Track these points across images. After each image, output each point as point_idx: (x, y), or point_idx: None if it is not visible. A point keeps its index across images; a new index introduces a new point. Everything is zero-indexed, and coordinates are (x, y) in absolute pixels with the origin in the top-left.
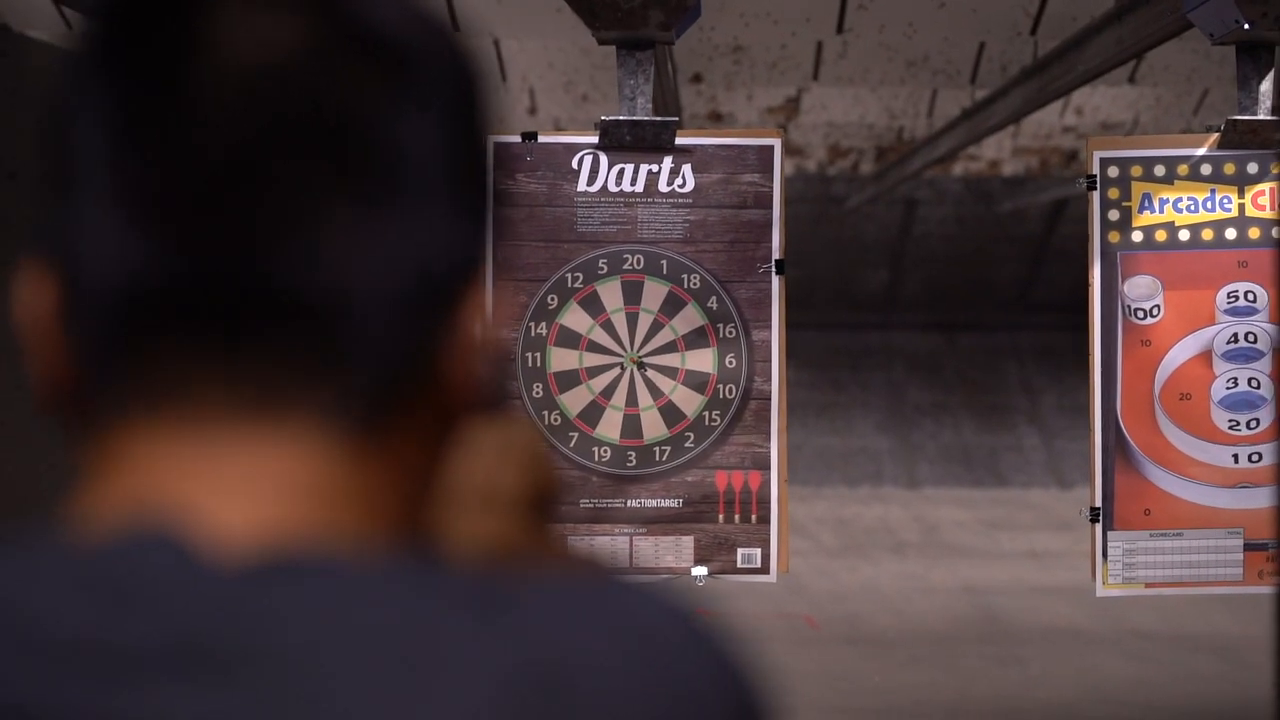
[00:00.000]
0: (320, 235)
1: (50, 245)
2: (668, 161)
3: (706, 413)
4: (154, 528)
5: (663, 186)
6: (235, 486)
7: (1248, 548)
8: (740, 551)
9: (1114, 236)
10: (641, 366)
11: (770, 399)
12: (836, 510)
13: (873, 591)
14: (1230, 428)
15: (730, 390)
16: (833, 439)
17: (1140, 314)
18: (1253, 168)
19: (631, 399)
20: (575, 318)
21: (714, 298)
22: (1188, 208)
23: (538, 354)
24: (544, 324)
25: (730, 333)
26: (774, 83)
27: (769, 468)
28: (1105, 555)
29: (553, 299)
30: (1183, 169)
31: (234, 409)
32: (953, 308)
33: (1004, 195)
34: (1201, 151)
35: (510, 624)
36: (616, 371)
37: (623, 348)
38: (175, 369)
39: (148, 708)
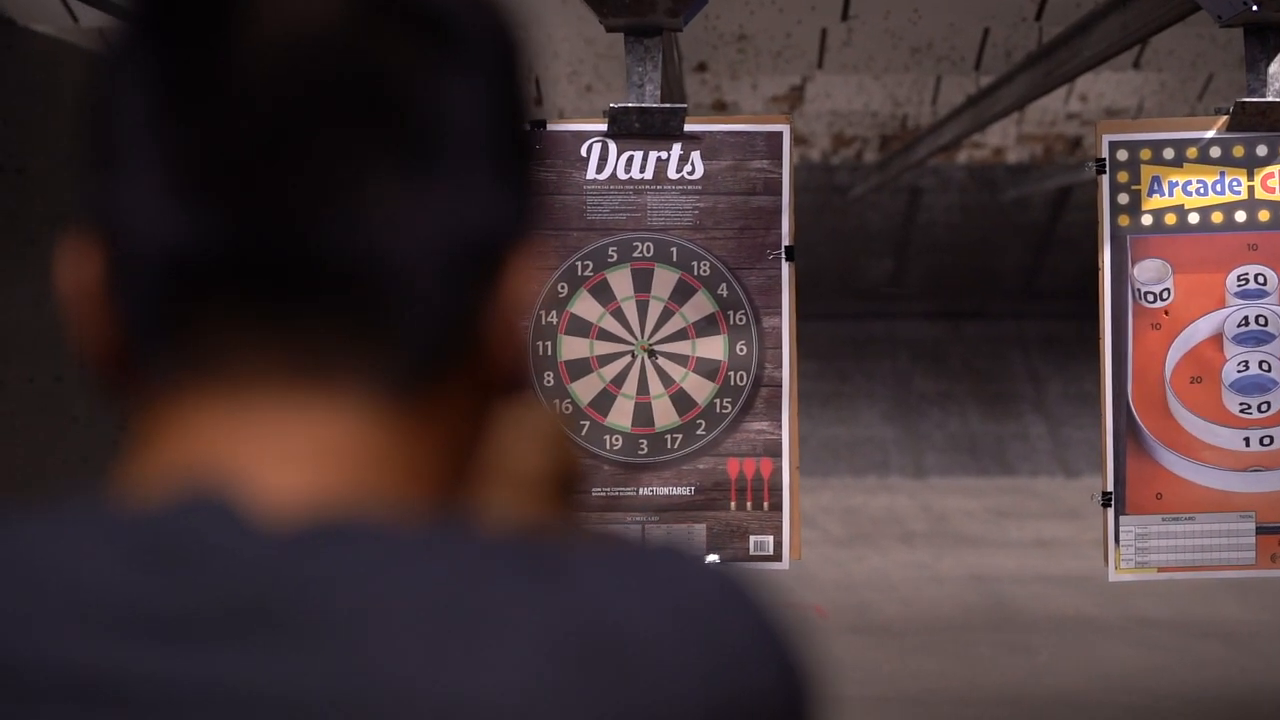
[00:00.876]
0: (364, 202)
1: (95, 216)
2: (677, 148)
3: (718, 400)
4: (203, 493)
5: (672, 173)
6: (283, 452)
7: (1259, 531)
8: (753, 539)
9: (1123, 220)
10: (652, 354)
11: (781, 386)
12: (843, 500)
13: (881, 581)
14: (1241, 411)
15: (741, 377)
16: (838, 429)
17: (1150, 297)
18: (1262, 150)
19: (643, 387)
20: (585, 306)
21: (724, 285)
22: (1197, 190)
23: (548, 342)
24: (554, 312)
25: (741, 320)
26: (779, 71)
27: (780, 455)
28: (1117, 540)
29: (563, 287)
30: (1192, 152)
31: (281, 375)
32: (957, 296)
33: (1008, 183)
34: (1210, 134)
35: (564, 587)
36: (627, 359)
37: (633, 335)
38: (222, 336)
39: (198, 672)
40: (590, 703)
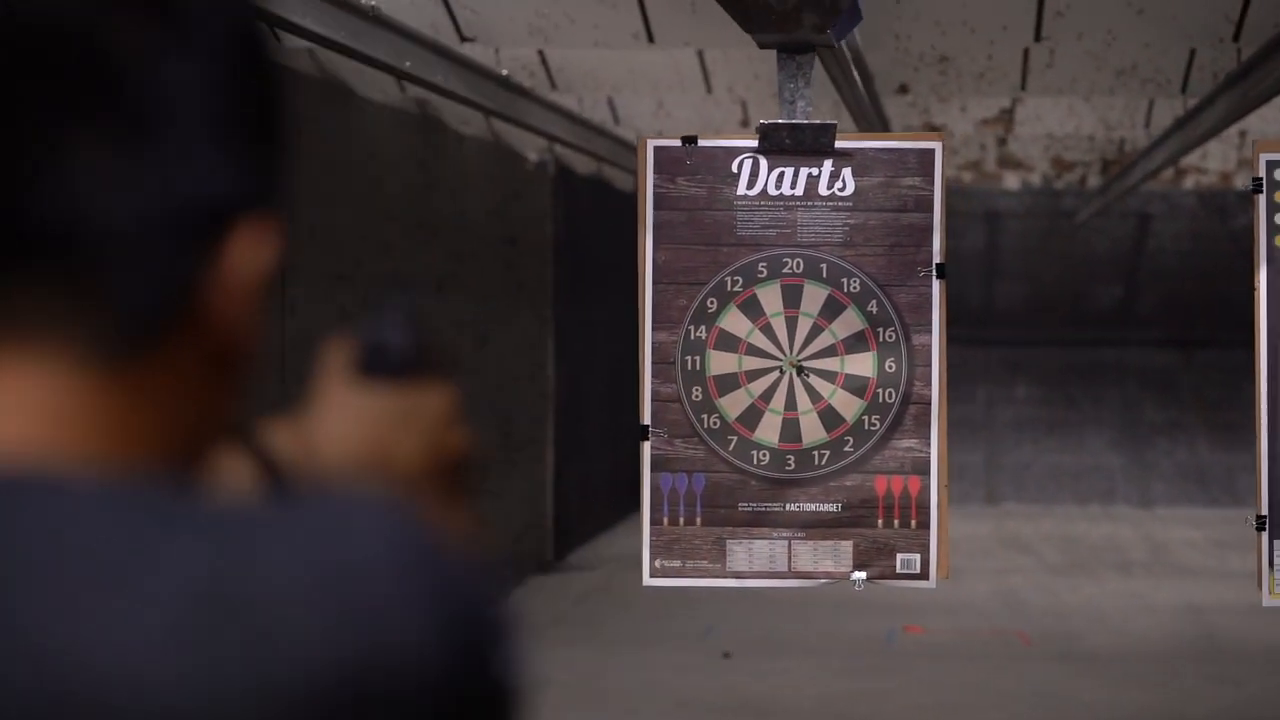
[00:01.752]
0: (74, 169)
1: None
2: (828, 165)
3: (866, 417)
4: None
5: (823, 190)
6: None
7: None
8: (899, 557)
9: None
10: (801, 370)
11: (930, 403)
12: (1064, 528)
13: (1092, 609)
14: None
15: (890, 395)
16: (1064, 456)
17: None
18: None
19: (790, 403)
20: (734, 321)
21: (874, 302)
22: None
23: (697, 357)
24: (703, 327)
25: (890, 337)
26: (983, 93)
27: (929, 473)
28: (1272, 565)
29: (712, 302)
30: None
31: None
32: (1189, 324)
33: (1239, 209)
34: None
35: (213, 545)
36: (776, 375)
37: (782, 351)
38: None
39: None
40: (212, 661)
